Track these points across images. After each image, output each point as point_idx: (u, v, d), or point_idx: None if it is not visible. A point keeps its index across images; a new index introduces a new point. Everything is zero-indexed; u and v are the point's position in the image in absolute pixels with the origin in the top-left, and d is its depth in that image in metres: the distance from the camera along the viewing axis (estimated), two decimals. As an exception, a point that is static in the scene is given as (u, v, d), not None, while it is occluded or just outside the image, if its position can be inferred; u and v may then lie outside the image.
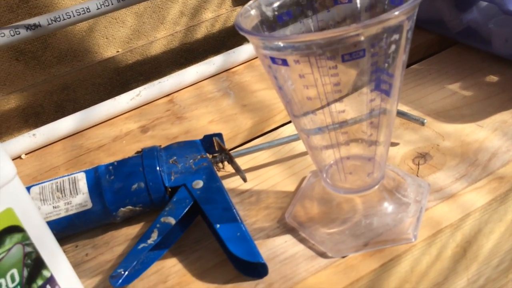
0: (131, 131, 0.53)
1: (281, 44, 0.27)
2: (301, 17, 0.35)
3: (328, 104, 0.31)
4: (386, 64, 0.29)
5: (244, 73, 0.60)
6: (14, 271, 0.26)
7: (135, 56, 0.68)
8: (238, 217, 0.35)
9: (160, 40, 0.68)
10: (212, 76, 0.60)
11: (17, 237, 0.27)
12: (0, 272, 0.26)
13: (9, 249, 0.26)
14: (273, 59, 0.28)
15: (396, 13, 0.26)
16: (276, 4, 0.33)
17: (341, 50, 0.26)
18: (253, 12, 0.32)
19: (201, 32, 0.71)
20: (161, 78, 0.69)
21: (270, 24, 0.33)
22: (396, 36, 0.27)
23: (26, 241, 0.27)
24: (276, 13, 0.34)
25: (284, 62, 0.28)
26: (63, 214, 0.38)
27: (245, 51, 0.61)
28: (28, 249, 0.27)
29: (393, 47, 0.27)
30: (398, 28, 0.27)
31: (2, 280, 0.26)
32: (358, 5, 0.34)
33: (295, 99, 0.32)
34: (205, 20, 0.70)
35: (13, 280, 0.26)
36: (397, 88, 0.32)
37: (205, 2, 0.70)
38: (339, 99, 0.31)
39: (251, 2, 0.32)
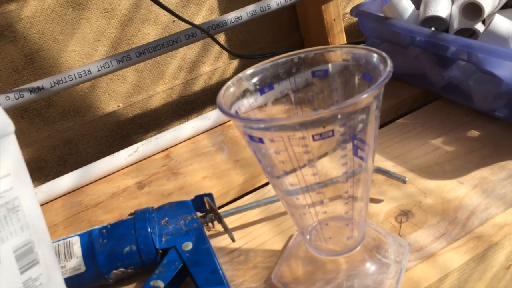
0: (128, 187, 0.55)
1: (261, 125, 0.29)
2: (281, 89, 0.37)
3: (301, 168, 0.32)
4: (358, 136, 0.30)
5: (238, 127, 0.62)
6: None
7: (135, 110, 0.70)
8: (224, 280, 0.37)
9: (159, 94, 0.71)
10: (207, 130, 0.62)
11: None
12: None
13: None
14: (251, 137, 0.30)
15: (365, 95, 0.28)
16: (256, 79, 0.36)
17: (311, 132, 0.28)
18: (233, 89, 0.34)
19: (199, 85, 0.74)
20: (160, 130, 0.71)
21: (251, 94, 0.36)
22: (363, 116, 0.29)
23: None
24: (257, 86, 0.36)
25: (261, 141, 0.30)
26: (58, 277, 0.39)
27: (239, 105, 0.63)
28: None
29: (360, 125, 0.29)
30: (365, 109, 0.29)
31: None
32: (333, 77, 0.36)
33: (274, 170, 0.34)
34: (202, 73, 0.73)
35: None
36: (371, 152, 0.33)
37: (202, 57, 0.73)
38: (312, 164, 0.32)
39: (232, 79, 0.35)
